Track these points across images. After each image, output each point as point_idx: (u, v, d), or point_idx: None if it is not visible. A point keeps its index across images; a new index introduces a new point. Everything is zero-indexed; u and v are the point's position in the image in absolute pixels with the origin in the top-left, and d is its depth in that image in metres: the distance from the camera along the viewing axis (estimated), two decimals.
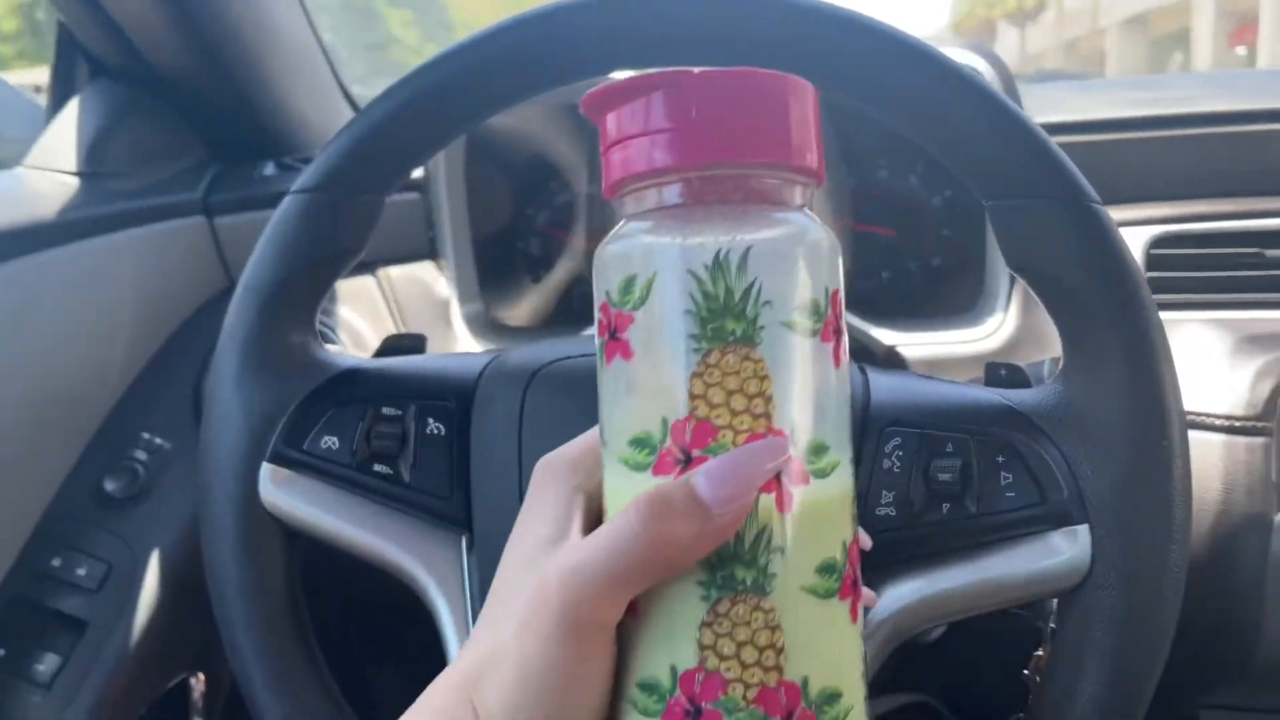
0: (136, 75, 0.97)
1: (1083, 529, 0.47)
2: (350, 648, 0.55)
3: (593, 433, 0.38)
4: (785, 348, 0.32)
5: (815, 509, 0.32)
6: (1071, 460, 0.47)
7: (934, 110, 0.47)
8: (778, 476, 0.31)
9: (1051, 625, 0.62)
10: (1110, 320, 0.46)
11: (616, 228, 0.34)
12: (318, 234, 0.53)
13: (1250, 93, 0.87)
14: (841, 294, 0.34)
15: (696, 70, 0.32)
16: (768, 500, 0.31)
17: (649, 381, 0.32)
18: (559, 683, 0.32)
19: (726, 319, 0.31)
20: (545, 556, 0.34)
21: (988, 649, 0.79)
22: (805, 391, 0.32)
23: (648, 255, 0.32)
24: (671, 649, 0.32)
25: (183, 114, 1.01)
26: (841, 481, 0.33)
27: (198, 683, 0.93)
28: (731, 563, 0.31)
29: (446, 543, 0.55)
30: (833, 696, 0.32)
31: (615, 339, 0.33)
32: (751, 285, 0.31)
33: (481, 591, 0.55)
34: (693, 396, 0.31)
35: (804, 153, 0.33)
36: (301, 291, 0.55)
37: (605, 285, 0.33)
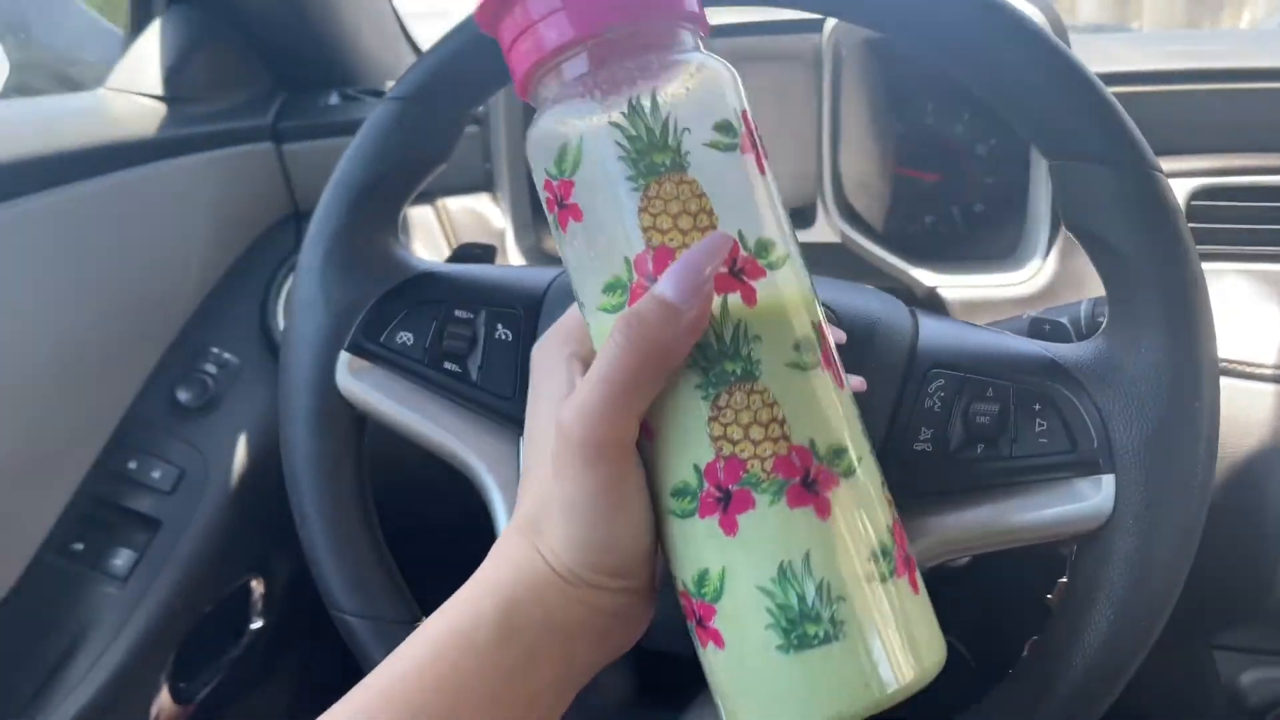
0: (211, 2, 1.00)
1: (1108, 478, 0.49)
2: (404, 566, 0.59)
3: (574, 309, 0.42)
4: (712, 164, 0.36)
5: (778, 295, 0.36)
6: (1105, 413, 0.49)
7: (997, 63, 0.48)
8: (739, 276, 0.36)
9: (1074, 552, 0.65)
10: (1158, 287, 0.47)
11: (536, 114, 0.38)
12: (408, 139, 0.56)
13: None
14: (749, 113, 0.38)
15: None
16: (735, 298, 0.36)
17: (604, 230, 0.36)
18: (602, 507, 0.36)
19: (654, 154, 0.35)
20: (557, 409, 0.38)
21: (1010, 579, 0.82)
22: (740, 197, 0.36)
23: (572, 123, 0.36)
24: (689, 450, 0.36)
25: (253, 42, 1.04)
26: (795, 270, 0.37)
27: (258, 585, 0.99)
28: (719, 360, 0.36)
29: (505, 439, 0.57)
30: (840, 451, 0.37)
31: (564, 206, 0.37)
32: (668, 119, 0.35)
33: None
34: (644, 229, 0.35)
35: (680, 1, 0.37)
36: (388, 193, 0.58)
37: (542, 164, 0.38)
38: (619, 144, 0.35)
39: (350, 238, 0.57)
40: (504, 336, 0.57)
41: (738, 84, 0.38)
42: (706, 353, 0.36)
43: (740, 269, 0.36)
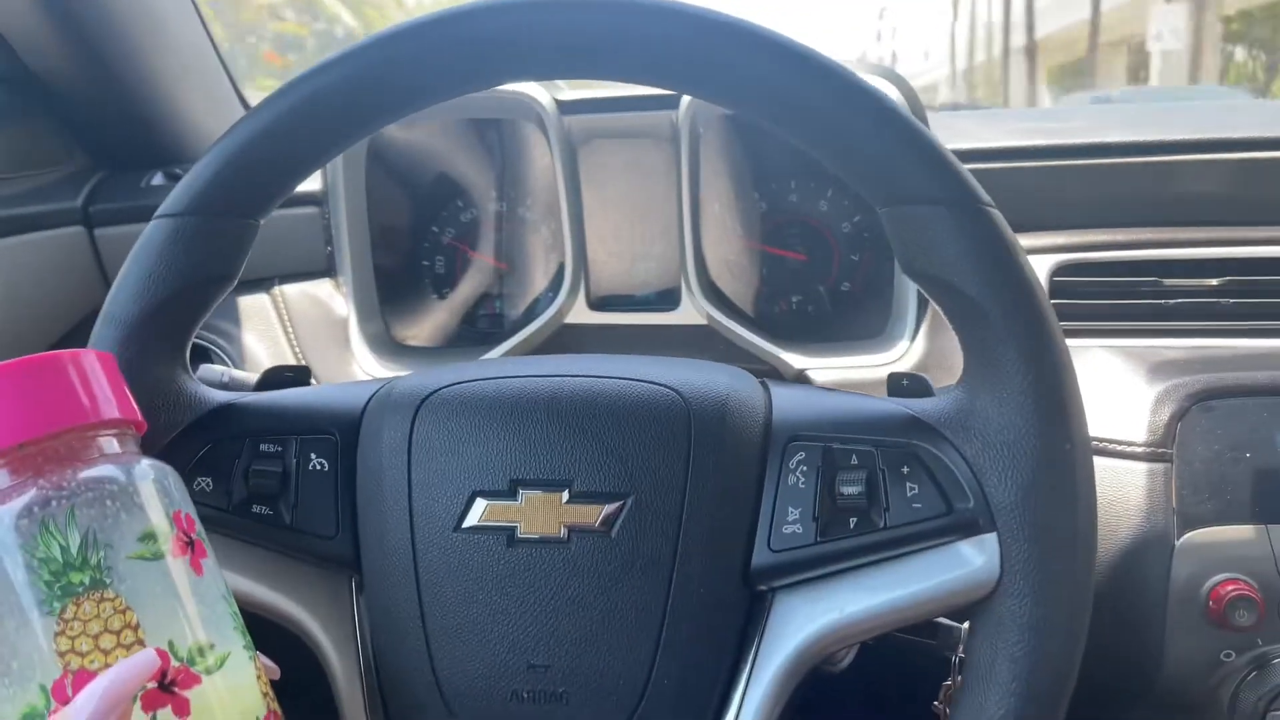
0: (13, 77, 0.92)
1: (990, 537, 0.47)
2: None
3: None
4: (137, 577, 0.35)
5: (216, 701, 0.36)
6: (976, 467, 0.47)
7: (821, 115, 0.46)
8: (169, 689, 0.35)
9: (960, 655, 0.62)
10: (1007, 325, 0.46)
11: None
12: (185, 261, 0.50)
13: (1147, 124, 0.89)
14: (186, 511, 0.39)
15: None
16: (165, 712, 0.35)
17: (17, 659, 0.34)
18: None
19: (70, 574, 0.34)
20: None
21: (895, 683, 0.78)
22: (169, 607, 0.36)
23: None
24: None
25: (64, 118, 0.96)
26: (237, 668, 0.38)
27: None
28: None
29: (334, 585, 0.53)
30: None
31: None
32: (85, 536, 0.35)
33: (373, 635, 0.52)
34: (61, 654, 0.34)
35: (100, 410, 0.38)
36: (167, 323, 0.51)
37: None
38: (29, 567, 0.34)
39: (127, 379, 0.50)
40: (319, 467, 0.53)
41: (171, 483, 0.39)
42: None
43: (172, 681, 0.35)
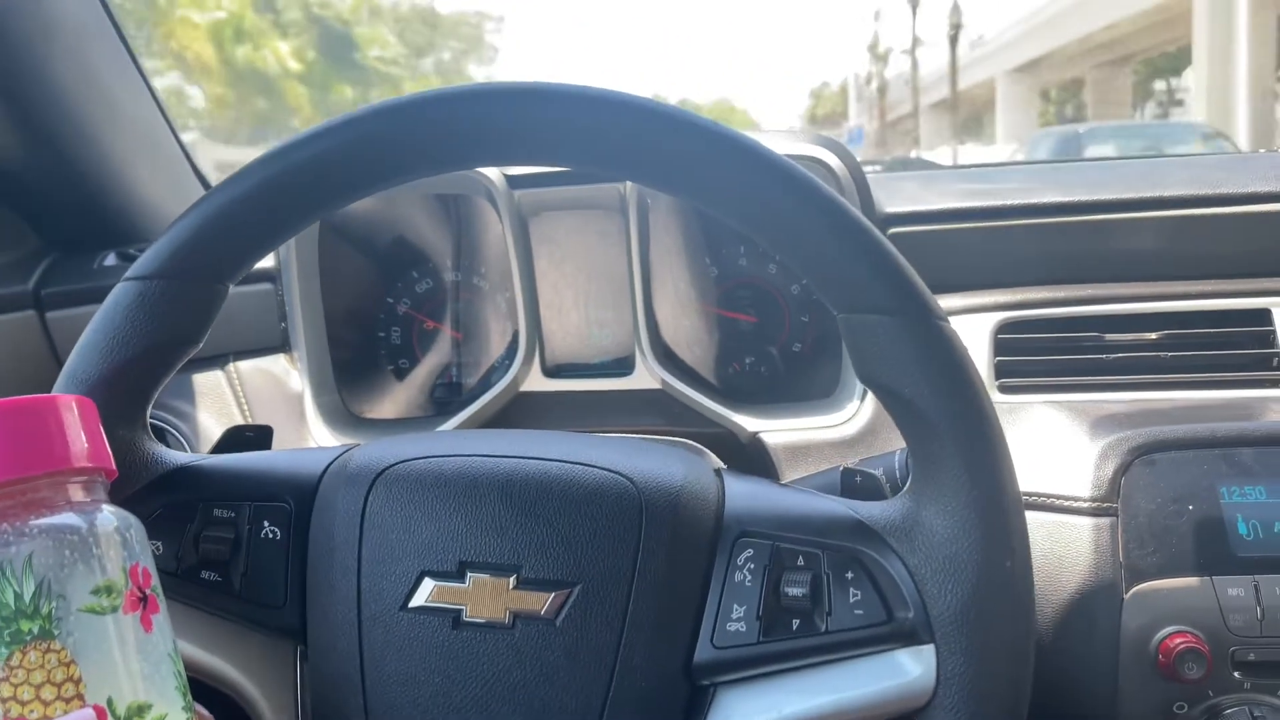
0: None
1: (928, 649, 0.47)
2: None
3: None
4: (85, 632, 0.35)
5: None
6: (918, 577, 0.47)
7: (783, 222, 0.47)
8: None
9: None
10: (954, 438, 0.46)
11: None
12: (151, 324, 0.50)
13: (1079, 185, 0.91)
14: (144, 565, 0.38)
15: None
16: None
17: None
18: None
19: (20, 621, 0.34)
20: None
21: None
22: (113, 664, 0.36)
23: None
24: None
25: (13, 200, 0.95)
26: None
27: None
28: None
29: (279, 655, 0.52)
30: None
31: None
32: (40, 585, 0.34)
33: (314, 706, 0.51)
34: (3, 700, 0.34)
35: (68, 458, 0.37)
36: (129, 384, 0.51)
37: None
38: None
39: None
40: (271, 535, 0.52)
41: (133, 535, 0.38)
42: None
43: None
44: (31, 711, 0.34)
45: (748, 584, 0.49)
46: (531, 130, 0.47)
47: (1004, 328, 0.84)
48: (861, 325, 0.47)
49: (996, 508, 0.46)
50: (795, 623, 0.48)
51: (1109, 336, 0.83)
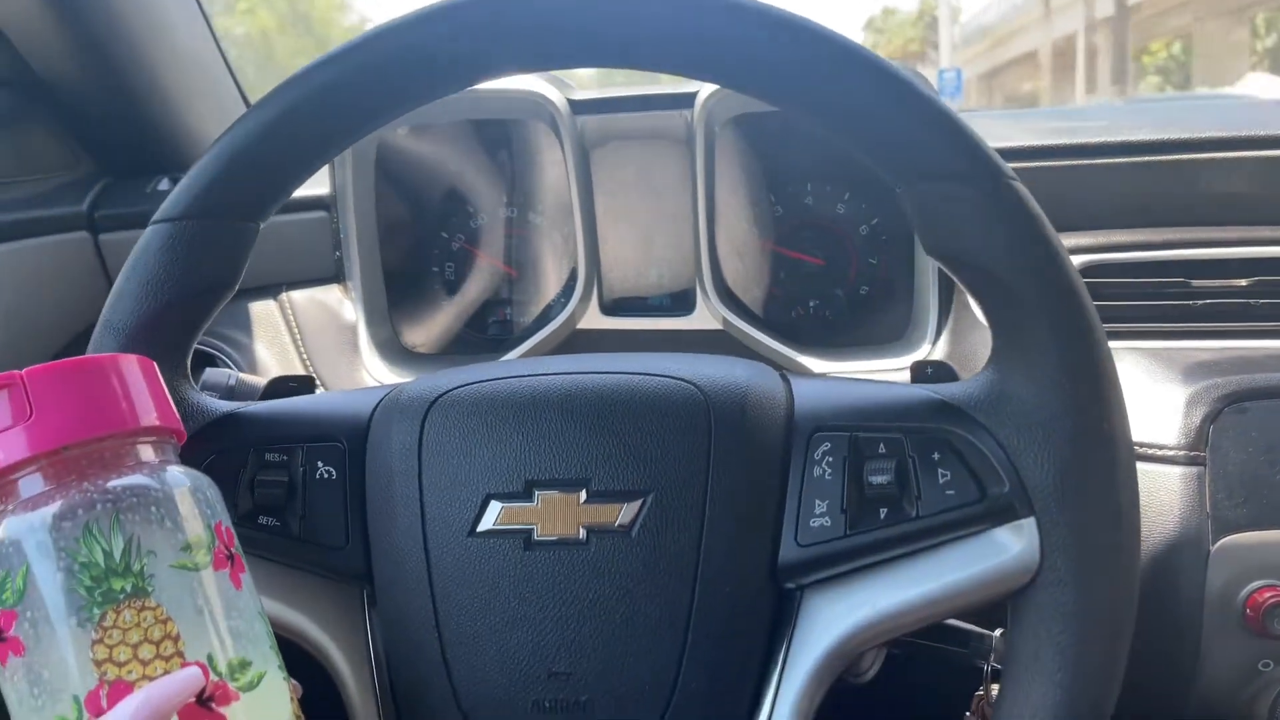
0: (17, 81, 0.91)
1: (1028, 522, 0.45)
2: None
3: None
4: (179, 588, 0.35)
5: (253, 718, 0.35)
6: (1010, 450, 0.46)
7: (839, 93, 0.44)
8: (207, 705, 0.34)
9: (992, 664, 0.60)
10: (1040, 302, 0.44)
11: None
12: (182, 268, 0.48)
13: (1173, 123, 0.88)
14: (227, 523, 0.38)
15: (25, 370, 0.35)
16: None
17: (49, 668, 0.33)
18: None
19: (112, 580, 0.33)
20: None
21: (923, 693, 0.76)
22: (210, 620, 0.35)
23: (17, 547, 0.33)
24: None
25: (70, 123, 0.94)
26: (273, 687, 0.37)
27: None
28: None
29: (345, 598, 0.51)
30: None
31: (3, 640, 0.34)
32: (129, 543, 0.34)
33: (387, 648, 0.50)
34: (98, 663, 0.33)
35: (141, 416, 0.37)
36: (167, 331, 0.50)
37: None
38: (71, 571, 0.33)
39: None
40: (326, 475, 0.51)
41: (211, 494, 0.38)
42: None
43: (209, 697, 0.34)
44: (130, 672, 0.33)
45: (828, 478, 0.47)
46: (597, 28, 0.45)
47: (1087, 271, 0.81)
48: (927, 195, 0.45)
49: (1089, 367, 0.44)
50: (883, 511, 0.47)
51: (1196, 282, 0.80)
